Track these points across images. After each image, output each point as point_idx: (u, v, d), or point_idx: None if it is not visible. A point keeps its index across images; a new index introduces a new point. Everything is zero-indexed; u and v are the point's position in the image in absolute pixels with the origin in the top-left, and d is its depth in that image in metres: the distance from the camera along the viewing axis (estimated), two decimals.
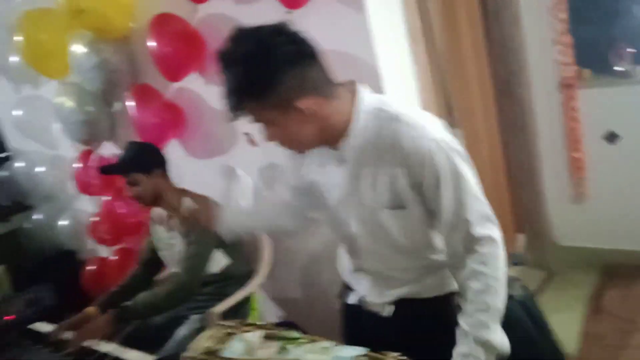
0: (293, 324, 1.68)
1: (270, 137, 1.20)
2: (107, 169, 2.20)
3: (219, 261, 2.20)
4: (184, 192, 2.21)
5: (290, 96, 1.11)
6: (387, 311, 1.36)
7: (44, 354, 1.93)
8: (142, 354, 1.81)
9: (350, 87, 1.23)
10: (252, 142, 2.34)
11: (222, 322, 1.38)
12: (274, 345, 1.22)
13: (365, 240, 1.31)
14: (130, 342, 2.12)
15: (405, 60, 2.07)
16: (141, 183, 2.11)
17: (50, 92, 2.91)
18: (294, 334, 1.25)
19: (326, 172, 1.32)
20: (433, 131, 1.18)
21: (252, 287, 2.29)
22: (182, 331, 2.11)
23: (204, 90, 2.40)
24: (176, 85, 2.46)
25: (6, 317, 2.43)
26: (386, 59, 1.94)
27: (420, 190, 1.18)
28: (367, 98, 1.22)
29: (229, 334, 1.31)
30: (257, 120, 1.16)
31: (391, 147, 1.17)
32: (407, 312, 1.34)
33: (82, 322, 2.04)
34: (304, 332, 1.32)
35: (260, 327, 1.32)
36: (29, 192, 3.61)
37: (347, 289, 1.50)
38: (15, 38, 2.64)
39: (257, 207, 1.92)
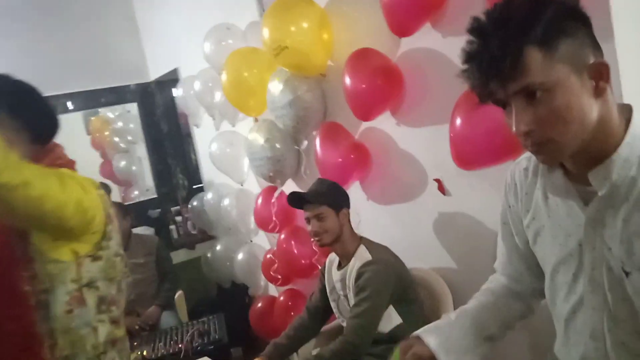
0: None
1: (534, 115, 0.86)
2: (298, 198, 2.10)
3: (390, 319, 1.94)
4: (362, 240, 2.04)
5: (583, 55, 0.86)
6: None
7: None
8: None
9: (621, 106, 0.94)
10: (442, 189, 2.07)
11: None
12: None
13: (603, 320, 0.95)
14: None
15: None
16: (328, 218, 2.00)
17: (244, 129, 3.02)
18: None
19: (555, 215, 1.01)
20: None
21: None
22: None
23: (394, 131, 2.23)
24: (365, 125, 2.33)
25: (178, 345, 2.43)
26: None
27: None
28: None
29: None
30: (531, 82, 0.84)
31: None
32: None
33: None
34: None
35: None
36: (214, 223, 3.78)
37: None
38: (221, 77, 2.79)
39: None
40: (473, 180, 1.91)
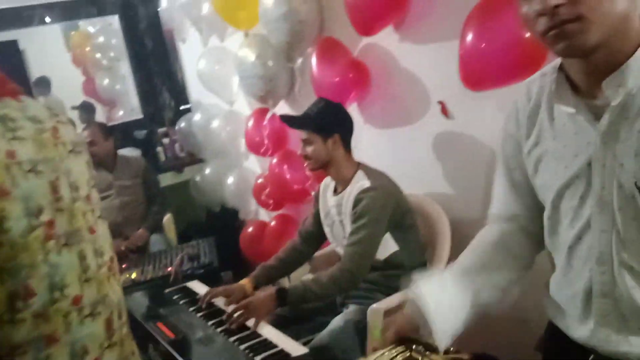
0: (491, 358, 1.27)
1: None
2: (288, 120, 2.03)
3: (387, 246, 1.90)
4: (359, 166, 1.95)
5: None
6: None
7: (196, 319, 1.81)
8: (296, 344, 1.58)
9: None
10: (445, 112, 1.95)
11: (398, 346, 1.05)
12: None
13: (611, 242, 0.90)
14: (281, 322, 1.95)
15: None
16: (315, 144, 1.91)
17: (234, 45, 2.82)
18: None
19: (561, 135, 0.95)
20: None
21: None
22: (337, 321, 1.87)
23: (397, 47, 2.07)
24: (365, 40, 2.16)
25: (167, 269, 2.39)
26: None
27: None
28: None
29: (414, 358, 0.97)
30: None
31: None
32: None
33: (235, 293, 1.93)
34: None
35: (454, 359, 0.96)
36: (203, 146, 3.66)
37: (553, 335, 1.07)
38: None
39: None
40: (479, 102, 1.78)
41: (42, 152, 0.97)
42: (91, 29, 4.55)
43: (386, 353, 1.04)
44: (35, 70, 4.54)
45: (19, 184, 0.89)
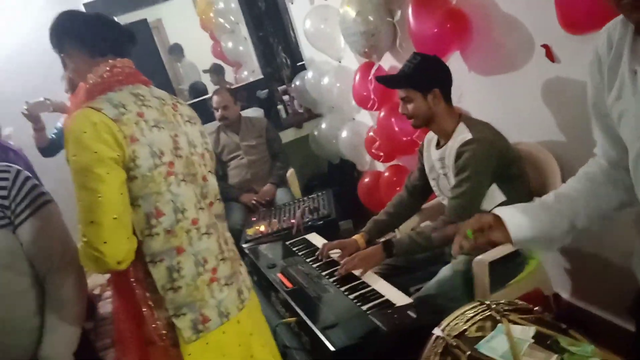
0: (582, 322, 1.27)
1: None
2: (384, 80, 2.05)
3: (493, 197, 1.88)
4: (461, 117, 1.93)
5: None
6: None
7: (312, 270, 2.00)
8: (401, 293, 1.70)
9: None
10: (550, 56, 1.85)
11: (486, 301, 1.10)
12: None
13: None
14: (393, 272, 2.08)
15: None
16: (415, 101, 1.91)
17: (337, 2, 2.86)
18: (583, 347, 0.89)
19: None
20: None
21: None
22: (444, 272, 1.94)
23: None
24: None
25: (291, 221, 2.59)
26: None
27: None
28: None
29: (493, 319, 1.04)
30: None
31: None
32: None
33: (348, 246, 2.08)
34: (596, 339, 0.94)
35: (537, 320, 1.00)
36: (318, 102, 3.80)
37: None
38: None
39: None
40: (585, 44, 1.65)
41: (163, 117, 1.31)
42: None
43: (467, 311, 1.11)
44: (173, 38, 4.99)
45: (145, 134, 1.24)
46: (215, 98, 3.43)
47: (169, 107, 1.36)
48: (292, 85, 4.07)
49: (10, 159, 3.25)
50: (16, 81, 3.66)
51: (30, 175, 1.40)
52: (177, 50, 5.15)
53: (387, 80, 2.03)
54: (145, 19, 4.48)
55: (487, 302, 1.08)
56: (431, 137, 2.09)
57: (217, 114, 3.44)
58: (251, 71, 4.85)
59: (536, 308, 1.09)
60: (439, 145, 2.02)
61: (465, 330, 1.02)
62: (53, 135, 3.09)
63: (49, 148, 3.07)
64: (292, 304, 1.73)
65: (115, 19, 1.44)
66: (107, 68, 1.30)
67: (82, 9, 3.70)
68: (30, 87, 3.33)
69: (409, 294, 1.81)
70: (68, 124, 1.21)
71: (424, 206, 2.28)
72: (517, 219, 1.10)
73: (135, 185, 1.22)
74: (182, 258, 1.27)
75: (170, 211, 1.25)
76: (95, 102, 1.23)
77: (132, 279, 1.27)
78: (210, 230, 1.35)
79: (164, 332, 1.27)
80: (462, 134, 1.88)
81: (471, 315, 1.06)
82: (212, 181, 1.44)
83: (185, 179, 1.30)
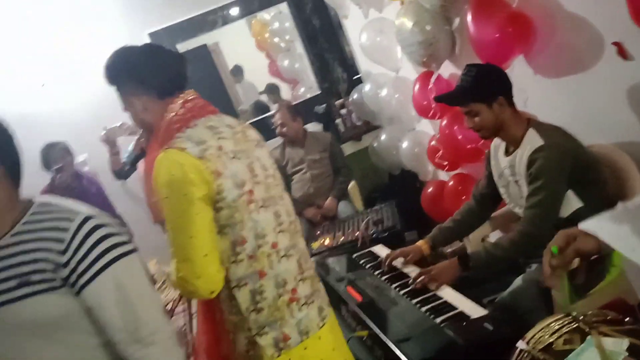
0: None
1: None
2: (443, 99, 2.01)
3: (570, 203, 1.80)
4: (530, 123, 1.87)
5: None
6: None
7: (380, 283, 1.99)
8: (475, 305, 1.66)
9: None
10: (623, 54, 1.77)
11: (572, 312, 1.06)
12: None
13: None
14: (464, 283, 2.03)
15: None
16: (481, 114, 1.86)
17: (392, 13, 2.87)
18: None
19: None
20: None
21: None
22: (518, 282, 1.87)
23: None
24: None
25: (355, 234, 2.59)
26: None
27: None
28: None
29: (581, 331, 0.99)
30: None
31: None
32: None
33: (412, 254, 2.07)
34: None
35: (629, 332, 0.95)
36: (376, 113, 3.80)
37: None
38: None
39: None
40: None
41: (238, 146, 1.37)
42: (266, 17, 4.95)
43: (552, 324, 1.07)
44: (231, 60, 5.15)
45: (227, 166, 1.30)
46: (277, 116, 3.52)
47: (239, 135, 1.41)
48: (350, 99, 4.09)
49: (83, 185, 3.45)
50: (88, 109, 3.89)
51: (104, 222, 1.07)
52: (238, 72, 5.31)
53: (448, 98, 1.99)
54: (205, 45, 4.64)
55: (574, 314, 1.04)
56: (498, 143, 2.03)
57: (279, 130, 3.53)
58: (308, 87, 4.93)
59: (627, 319, 1.04)
60: (507, 152, 1.96)
61: (551, 343, 0.99)
62: (125, 159, 3.24)
63: (123, 171, 3.22)
64: (364, 317, 1.73)
65: (177, 46, 1.50)
66: (180, 104, 1.36)
67: (147, 39, 3.90)
68: (101, 115, 3.49)
69: (481, 306, 1.77)
70: (155, 165, 1.27)
71: (494, 214, 2.22)
72: (604, 225, 1.04)
73: (222, 216, 1.29)
74: (264, 281, 1.33)
75: (252, 237, 1.32)
76: (177, 142, 1.29)
77: (216, 302, 1.34)
78: (290, 251, 1.40)
79: (245, 350, 1.31)
80: (533, 140, 1.82)
81: (557, 327, 1.02)
82: (287, 199, 1.49)
83: (264, 204, 1.36)
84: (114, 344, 1.06)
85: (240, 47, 5.19)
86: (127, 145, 3.17)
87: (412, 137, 3.32)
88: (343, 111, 4.45)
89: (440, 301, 1.75)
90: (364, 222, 2.68)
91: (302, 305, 1.37)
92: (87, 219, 1.04)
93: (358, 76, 4.34)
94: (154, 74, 1.38)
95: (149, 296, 1.10)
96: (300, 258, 1.43)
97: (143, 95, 1.38)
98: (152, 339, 1.06)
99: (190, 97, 1.39)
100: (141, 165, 3.01)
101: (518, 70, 2.18)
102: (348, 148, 4.19)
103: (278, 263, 1.35)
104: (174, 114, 1.35)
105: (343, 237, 2.66)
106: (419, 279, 1.87)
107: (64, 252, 1.00)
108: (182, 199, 1.22)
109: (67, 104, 3.98)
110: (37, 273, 1.00)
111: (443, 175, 3.28)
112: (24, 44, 3.84)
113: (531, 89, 2.23)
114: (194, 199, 1.23)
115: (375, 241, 2.50)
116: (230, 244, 1.30)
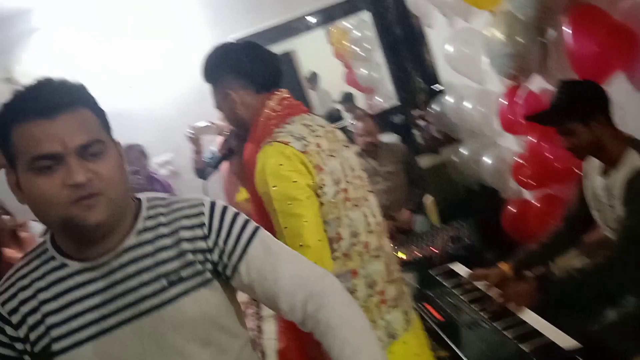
0: None
1: None
2: (539, 118, 1.91)
3: None
4: (630, 142, 1.75)
5: None
6: None
7: (461, 303, 1.93)
8: (563, 334, 1.56)
9: None
10: None
11: None
12: None
13: None
14: (549, 309, 1.92)
15: None
16: (577, 133, 1.75)
17: (481, 24, 2.79)
18: None
19: None
20: None
21: None
22: (611, 314, 1.75)
23: None
24: (630, 1, 1.91)
25: (432, 249, 2.53)
26: None
27: None
28: None
29: None
30: None
31: None
32: None
33: (494, 277, 1.97)
34: None
35: None
36: (457, 126, 3.70)
37: None
38: None
39: None
40: None
41: (331, 144, 1.39)
42: (347, 25, 4.95)
43: None
44: (306, 67, 5.22)
45: (327, 163, 1.33)
46: (360, 125, 3.45)
47: (330, 134, 1.44)
48: (430, 110, 4.01)
49: (156, 189, 3.55)
50: (173, 110, 4.03)
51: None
52: (314, 79, 5.37)
53: (542, 118, 1.89)
54: (288, 52, 4.72)
55: None
56: (592, 162, 1.92)
57: (360, 140, 3.44)
58: (385, 97, 4.88)
59: None
60: (604, 173, 1.84)
61: None
62: (208, 159, 3.32)
63: (204, 170, 3.30)
64: (445, 337, 1.68)
65: None
66: (277, 101, 1.39)
67: None
68: (186, 116, 3.59)
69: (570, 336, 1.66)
70: (259, 158, 1.30)
71: (586, 240, 2.08)
72: None
73: (321, 212, 1.30)
74: (357, 280, 1.33)
75: (347, 235, 1.33)
76: (279, 136, 1.31)
77: None
78: (379, 252, 1.39)
79: None
80: (633, 161, 1.70)
81: None
82: (373, 200, 1.49)
83: (357, 203, 1.38)
84: (289, 311, 0.97)
85: (316, 54, 5.26)
86: (210, 146, 3.24)
87: (495, 152, 3.21)
88: (421, 122, 4.37)
89: (525, 326, 1.66)
90: (440, 238, 2.61)
91: (390, 307, 1.36)
92: (214, 201, 1.01)
93: (438, 87, 4.25)
94: (254, 67, 1.40)
95: (296, 254, 1.04)
96: (388, 260, 1.42)
97: (241, 90, 1.40)
98: (322, 286, 0.99)
99: (285, 95, 1.42)
100: (224, 166, 3.08)
101: (616, 87, 2.05)
102: (425, 160, 4.10)
103: (369, 263, 1.35)
104: (271, 110, 1.38)
105: (419, 252, 2.60)
106: (496, 299, 1.80)
107: (207, 236, 0.96)
108: (293, 185, 1.25)
109: (156, 104, 4.14)
110: (188, 267, 0.94)
111: (526, 194, 3.13)
112: (121, 49, 4.04)
113: (630, 107, 2.08)
114: (304, 185, 1.26)
115: (453, 258, 2.43)
116: (329, 241, 1.31)
